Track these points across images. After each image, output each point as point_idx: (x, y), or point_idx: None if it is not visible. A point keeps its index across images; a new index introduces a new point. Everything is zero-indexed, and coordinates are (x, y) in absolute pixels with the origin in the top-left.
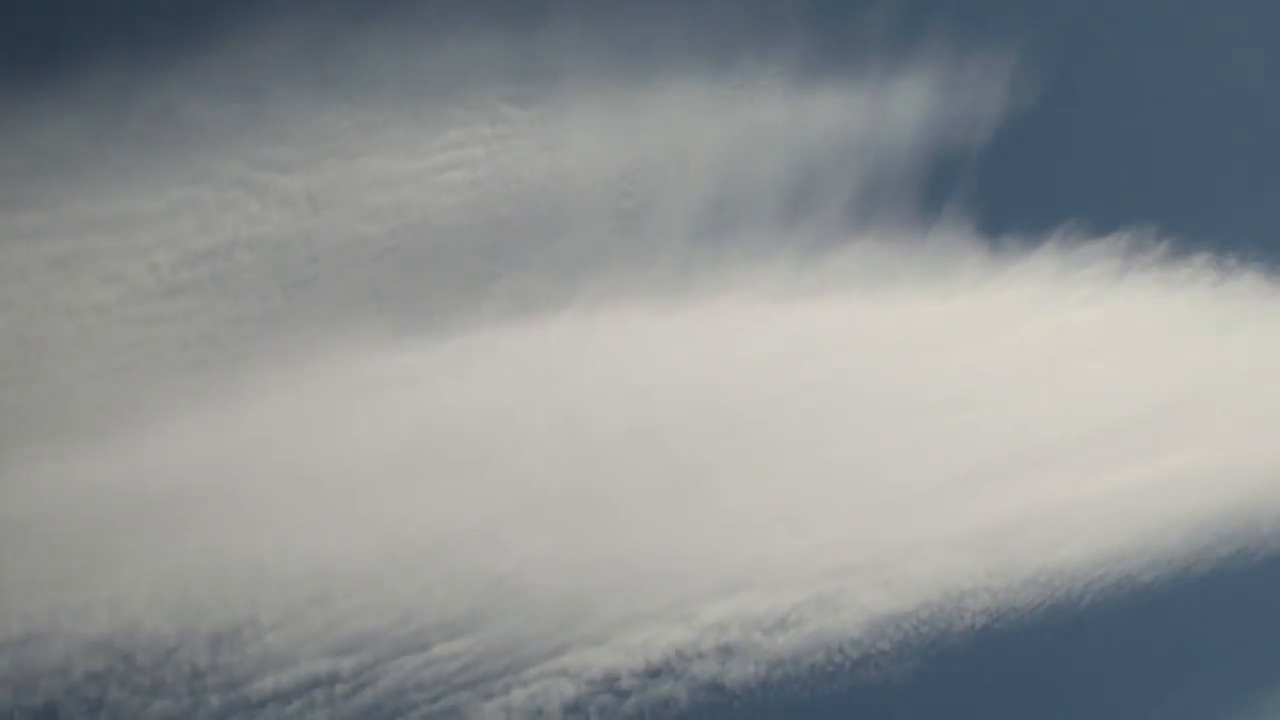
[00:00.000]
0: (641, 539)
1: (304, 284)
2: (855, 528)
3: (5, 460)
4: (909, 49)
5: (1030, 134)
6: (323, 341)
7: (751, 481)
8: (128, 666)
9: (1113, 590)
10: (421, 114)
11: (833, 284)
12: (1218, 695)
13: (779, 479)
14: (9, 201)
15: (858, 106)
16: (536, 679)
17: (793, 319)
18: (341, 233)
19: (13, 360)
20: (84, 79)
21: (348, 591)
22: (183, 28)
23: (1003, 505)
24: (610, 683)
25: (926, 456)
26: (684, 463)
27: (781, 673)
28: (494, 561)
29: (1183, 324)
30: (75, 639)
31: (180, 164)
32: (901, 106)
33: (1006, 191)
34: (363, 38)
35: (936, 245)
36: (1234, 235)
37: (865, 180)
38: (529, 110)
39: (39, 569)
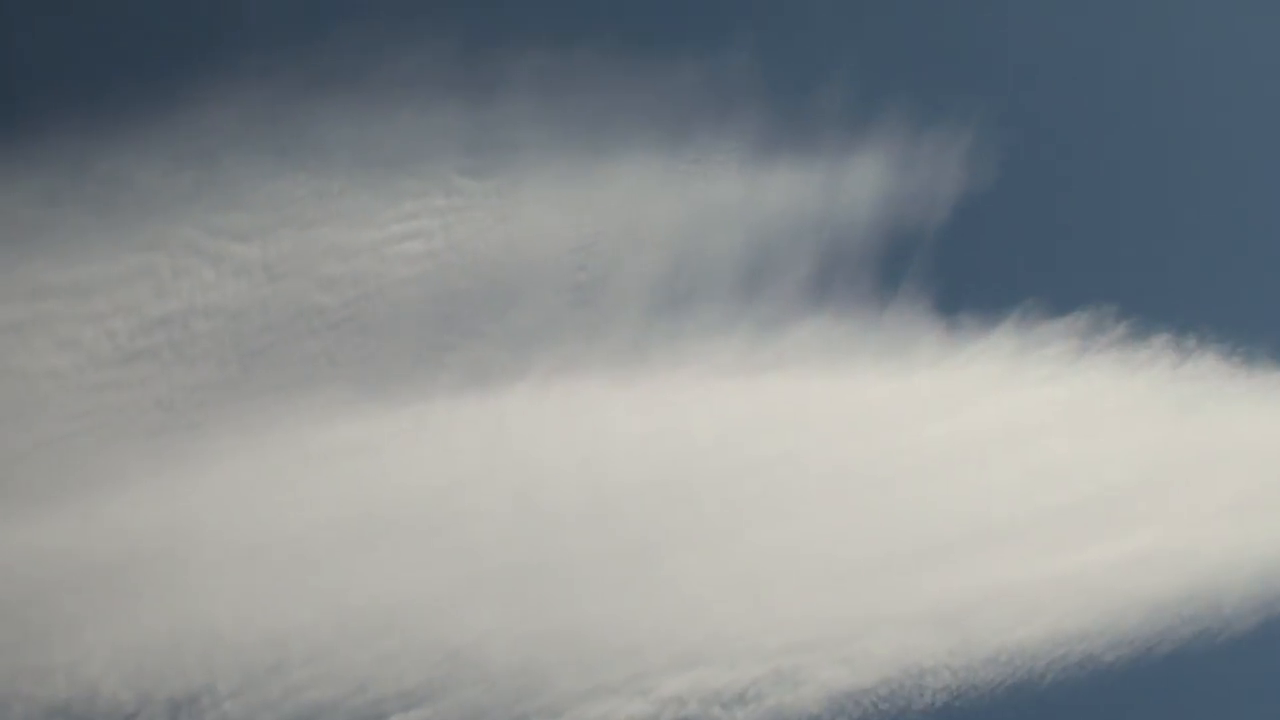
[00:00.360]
0: (597, 612)
1: (260, 352)
2: (813, 603)
3: None
4: (865, 126)
5: (988, 212)
6: (278, 409)
7: (708, 555)
8: None
9: (1075, 670)
10: (377, 184)
11: (789, 359)
12: None
13: (735, 553)
14: None
15: (814, 182)
16: None
17: (748, 394)
18: (297, 301)
19: None
20: (39, 144)
21: (304, 660)
22: (139, 94)
23: (962, 582)
24: None
25: (884, 533)
26: (639, 535)
27: None
28: (450, 633)
29: (1142, 404)
30: (34, 703)
31: (136, 230)
32: (858, 183)
33: (964, 270)
34: (319, 107)
35: (893, 323)
36: (1194, 317)
37: (821, 256)
38: (484, 182)
39: None
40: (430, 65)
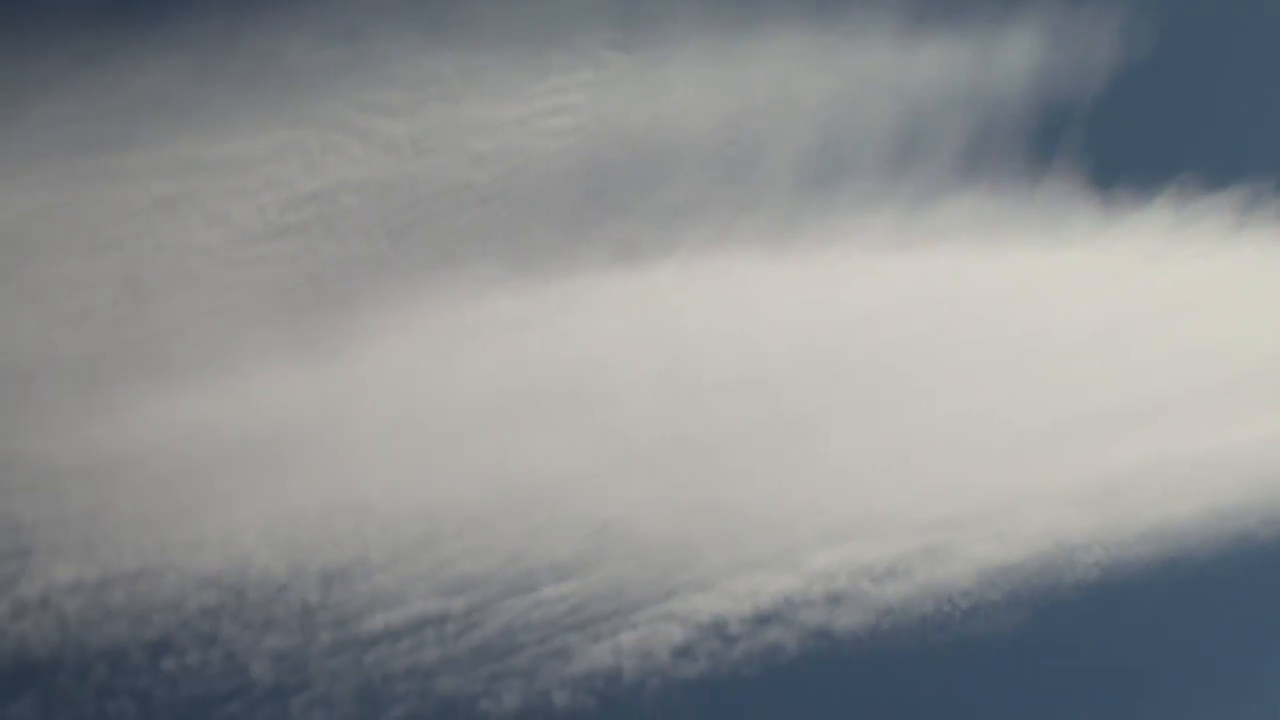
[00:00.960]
0: (747, 486)
1: (407, 228)
2: (964, 478)
3: (114, 399)
4: None
5: (1144, 85)
6: (427, 285)
7: (859, 430)
8: (240, 602)
9: (1228, 547)
10: (525, 58)
11: (940, 234)
12: None
13: (887, 427)
14: (114, 143)
15: (966, 54)
16: (645, 622)
17: (899, 269)
18: (445, 177)
19: (120, 300)
20: (189, 21)
21: (455, 533)
22: None
23: (1114, 458)
24: (718, 628)
25: (1037, 408)
26: (790, 410)
27: (890, 621)
28: (599, 506)
29: None
30: (187, 574)
31: (284, 106)
32: (1011, 54)
33: (1119, 144)
34: None
35: (1047, 197)
36: None
37: (974, 130)
38: (632, 56)
39: (149, 506)
40: None
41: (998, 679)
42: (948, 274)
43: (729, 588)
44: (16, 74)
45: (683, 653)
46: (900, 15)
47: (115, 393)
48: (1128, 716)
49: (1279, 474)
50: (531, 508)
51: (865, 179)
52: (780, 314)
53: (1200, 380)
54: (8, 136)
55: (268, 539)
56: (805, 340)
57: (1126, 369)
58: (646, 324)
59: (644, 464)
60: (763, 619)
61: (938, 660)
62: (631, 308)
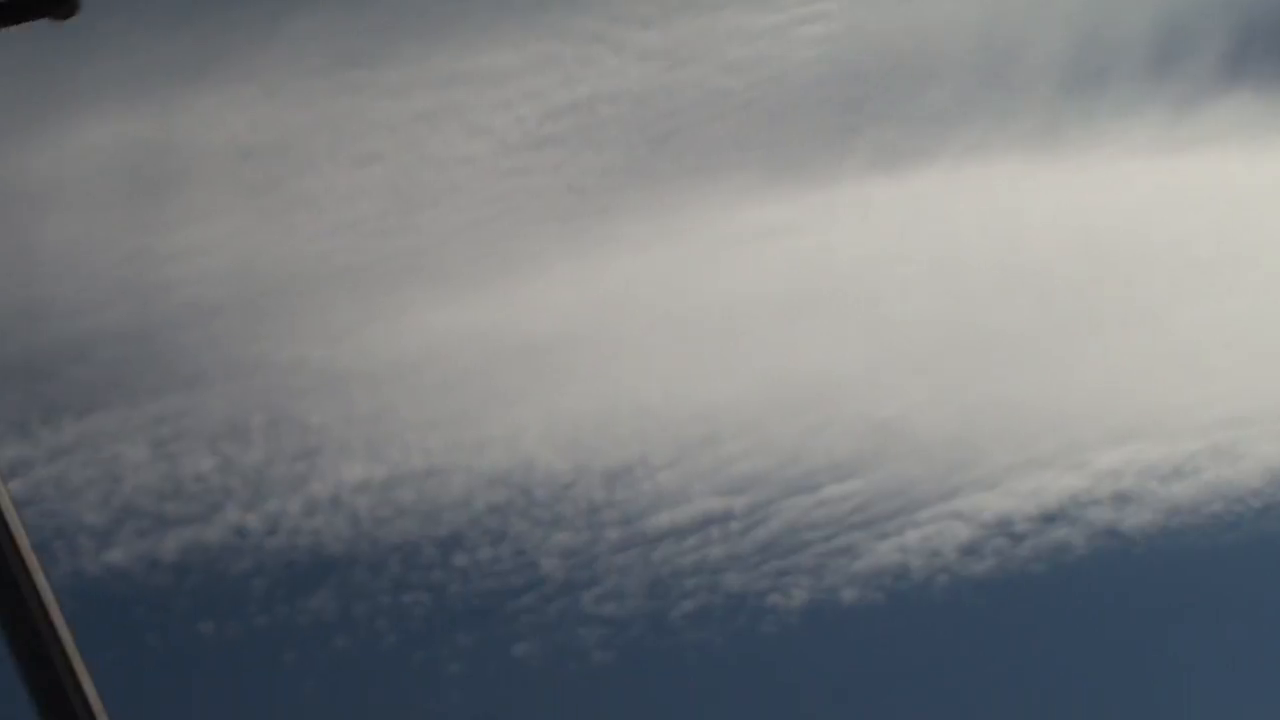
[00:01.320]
0: (1029, 384)
1: (666, 137)
2: (1252, 377)
3: (391, 304)
4: None
5: None
6: (689, 193)
7: (1140, 327)
8: (527, 500)
9: None
10: None
11: (1206, 137)
12: None
13: (1168, 326)
14: (375, 58)
15: None
16: (929, 521)
17: (1165, 173)
18: (701, 86)
19: (387, 212)
20: None
21: (736, 433)
22: None
23: None
24: (1004, 526)
25: None
26: (1068, 308)
27: (1179, 521)
28: (877, 405)
29: None
30: (474, 473)
31: (540, 19)
32: None
33: None
34: None
35: None
36: None
37: (1239, 29)
38: None
39: (434, 407)
40: None
41: None
42: (1213, 177)
43: (1014, 486)
44: None
45: (969, 551)
46: None
47: (390, 299)
48: None
49: None
50: (809, 407)
51: (1127, 81)
52: (1047, 215)
53: None
54: (276, 54)
55: (550, 439)
56: (1075, 239)
57: None
58: (915, 227)
59: (920, 363)
60: (1049, 518)
61: (1226, 561)
62: (895, 214)
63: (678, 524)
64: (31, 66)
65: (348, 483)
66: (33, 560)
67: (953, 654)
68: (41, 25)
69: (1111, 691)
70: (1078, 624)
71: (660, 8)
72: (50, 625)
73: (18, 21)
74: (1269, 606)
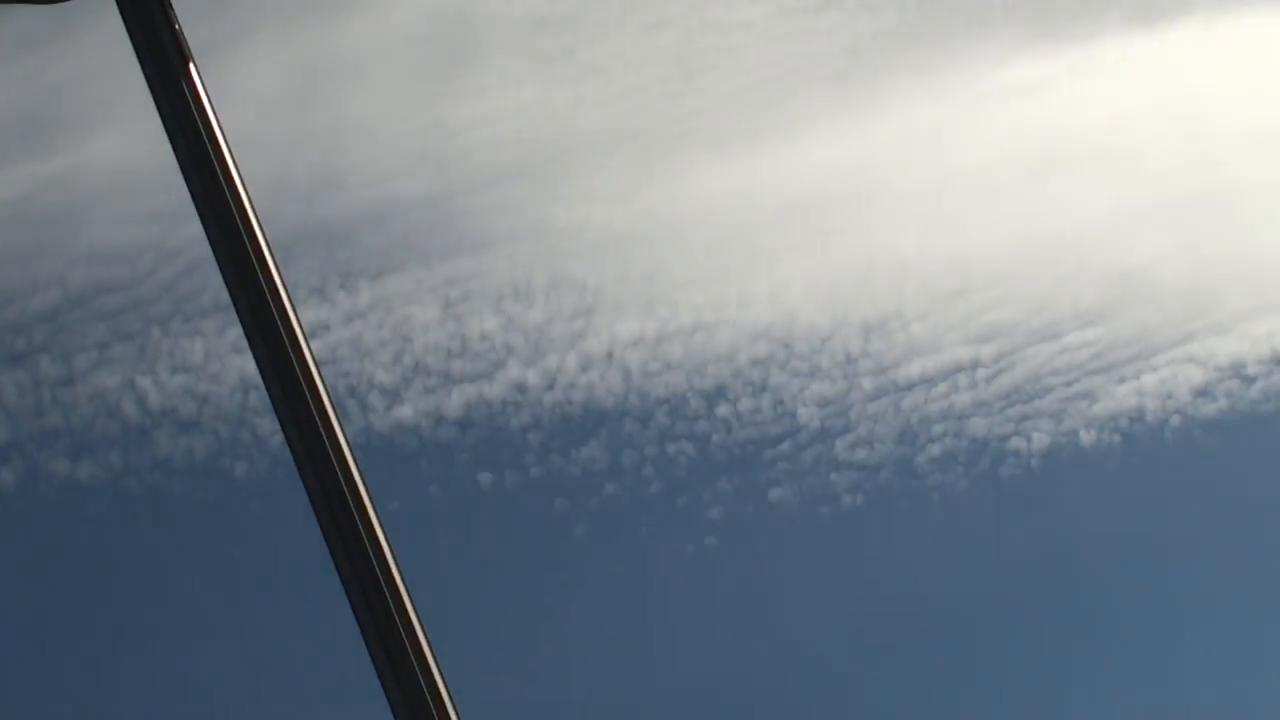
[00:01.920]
0: (1264, 235)
1: None
2: None
3: (670, 167)
4: None
5: None
6: (956, 53)
7: None
8: (787, 353)
9: None
10: None
11: None
12: None
13: None
14: None
15: None
16: (1165, 365)
17: None
18: None
19: (670, 76)
20: None
21: (985, 284)
22: None
23: None
24: (1237, 369)
25: None
26: None
27: None
28: (1121, 256)
29: None
30: (739, 328)
31: None
32: None
33: None
34: None
35: None
36: None
37: None
38: None
39: (702, 265)
40: None
41: None
42: None
43: (1247, 330)
44: None
45: (1203, 393)
46: None
47: (669, 161)
48: None
49: None
50: (1057, 259)
51: None
52: None
53: None
54: None
55: (812, 293)
56: None
57: None
58: (1165, 83)
59: (1165, 215)
60: None
61: None
62: (1150, 68)
63: (928, 372)
64: None
65: (621, 339)
66: (336, 417)
67: (1185, 493)
68: None
69: None
70: None
71: None
72: (350, 476)
73: None
74: None
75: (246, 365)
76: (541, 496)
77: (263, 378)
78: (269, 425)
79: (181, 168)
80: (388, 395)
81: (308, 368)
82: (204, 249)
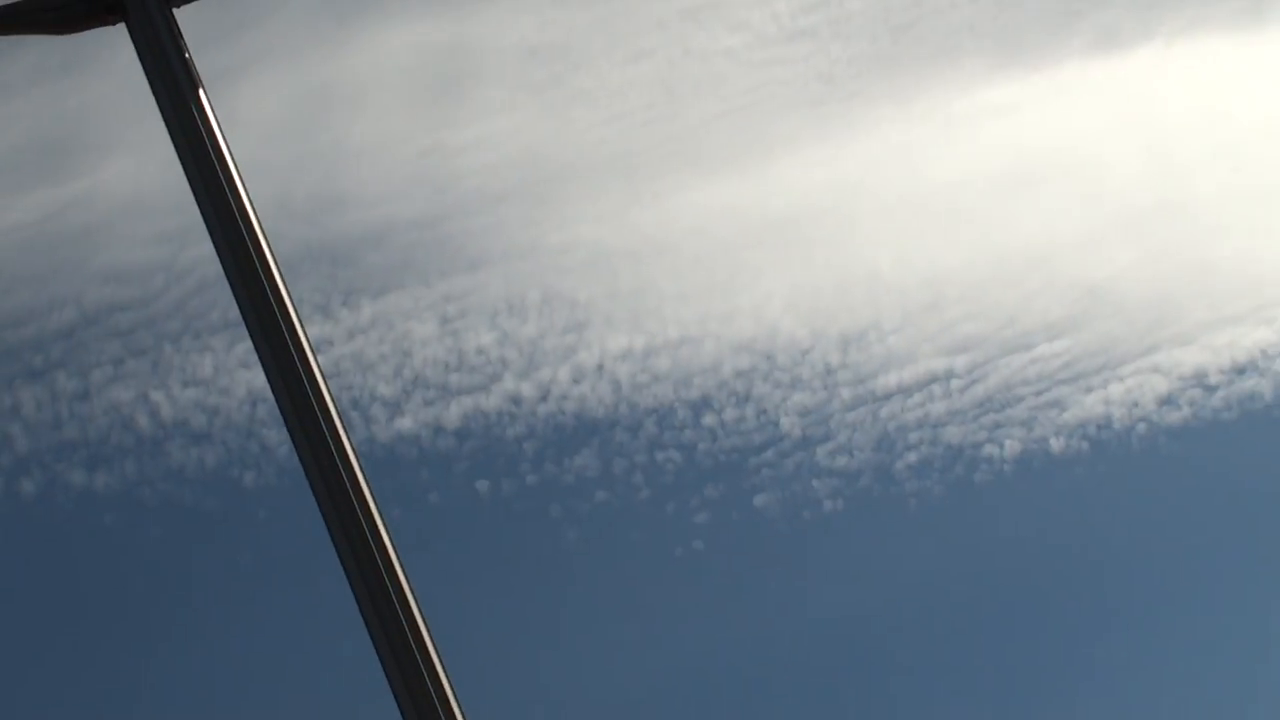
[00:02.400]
0: (1225, 248)
1: (908, 27)
2: None
3: (656, 188)
4: None
5: None
6: (926, 78)
7: None
8: (770, 364)
9: None
10: None
11: None
12: None
13: None
14: None
15: None
16: (1131, 375)
17: None
18: None
19: (655, 102)
20: None
21: (958, 298)
22: None
23: None
24: (1199, 379)
25: None
26: (1265, 179)
27: None
28: (1088, 270)
29: None
30: (723, 341)
31: None
32: None
33: None
34: None
35: None
36: None
37: None
38: None
39: (688, 281)
40: None
41: None
42: None
43: (1209, 341)
44: None
45: (1167, 401)
46: None
47: (656, 183)
48: None
49: None
50: (1026, 273)
51: None
52: (1254, 92)
53: None
54: None
55: (792, 307)
56: (1276, 115)
57: None
58: (1128, 104)
59: (1129, 230)
60: (1240, 369)
61: None
62: (1113, 90)
63: (904, 383)
64: None
65: (611, 352)
66: (344, 427)
67: (1150, 498)
68: None
69: None
70: (1267, 467)
71: None
72: (358, 485)
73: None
74: None
75: (254, 379)
76: (536, 503)
77: (273, 390)
78: (276, 436)
79: (193, 190)
80: (389, 407)
81: (315, 380)
82: (213, 268)
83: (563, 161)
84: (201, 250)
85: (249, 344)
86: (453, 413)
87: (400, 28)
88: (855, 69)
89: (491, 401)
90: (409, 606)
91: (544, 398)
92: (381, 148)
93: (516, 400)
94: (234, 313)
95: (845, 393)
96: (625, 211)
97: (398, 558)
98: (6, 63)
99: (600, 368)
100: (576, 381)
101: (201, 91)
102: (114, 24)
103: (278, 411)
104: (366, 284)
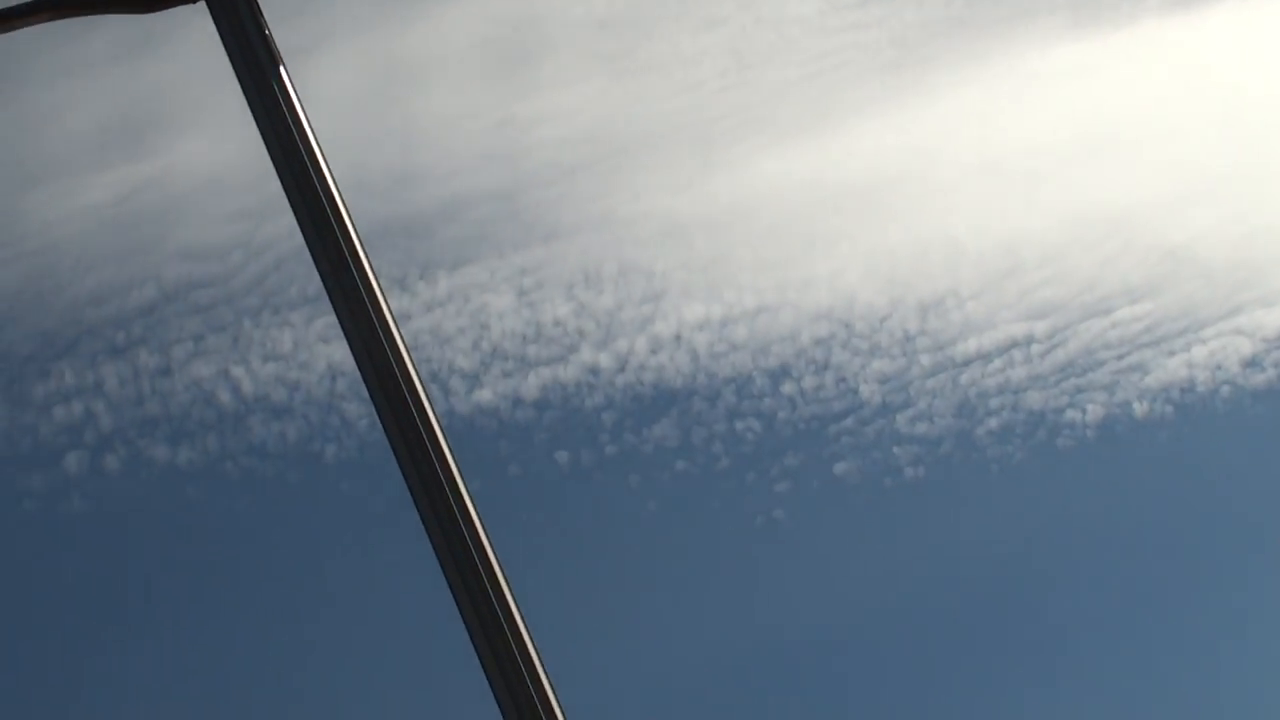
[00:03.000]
0: None
1: None
2: None
3: (730, 157)
4: None
5: None
6: (1001, 39)
7: None
8: (848, 332)
9: None
10: None
11: None
12: None
13: None
14: None
15: None
16: (1214, 337)
17: None
18: None
19: (727, 70)
20: None
21: (1037, 263)
22: None
23: None
24: None
25: None
26: None
27: None
28: (1169, 232)
29: None
30: (800, 309)
31: None
32: None
33: None
34: None
35: None
36: None
37: None
38: None
39: (765, 250)
40: None
41: None
42: None
43: None
44: None
45: (1251, 363)
46: None
47: (729, 152)
48: None
49: None
50: (1105, 236)
51: None
52: None
53: None
54: None
55: (870, 274)
56: None
57: None
58: (1204, 65)
59: (1209, 192)
60: None
61: None
62: (1190, 50)
63: (984, 349)
64: None
65: (688, 321)
66: (428, 400)
67: (1237, 460)
68: None
69: None
70: None
71: None
72: (444, 457)
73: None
74: None
75: (334, 353)
76: (616, 474)
77: (357, 364)
78: (357, 410)
79: (275, 167)
80: (467, 380)
81: (400, 353)
82: (289, 244)
83: (635, 132)
84: (279, 226)
85: (327, 319)
86: (531, 384)
87: (470, 1)
88: (929, 33)
89: (569, 373)
90: (496, 578)
91: (622, 368)
92: (454, 121)
93: (594, 371)
94: (312, 288)
95: (925, 359)
96: (700, 181)
97: (484, 529)
98: (83, 42)
99: (678, 337)
100: (654, 352)
101: (282, 69)
102: (194, 2)
103: (357, 385)
104: (442, 257)
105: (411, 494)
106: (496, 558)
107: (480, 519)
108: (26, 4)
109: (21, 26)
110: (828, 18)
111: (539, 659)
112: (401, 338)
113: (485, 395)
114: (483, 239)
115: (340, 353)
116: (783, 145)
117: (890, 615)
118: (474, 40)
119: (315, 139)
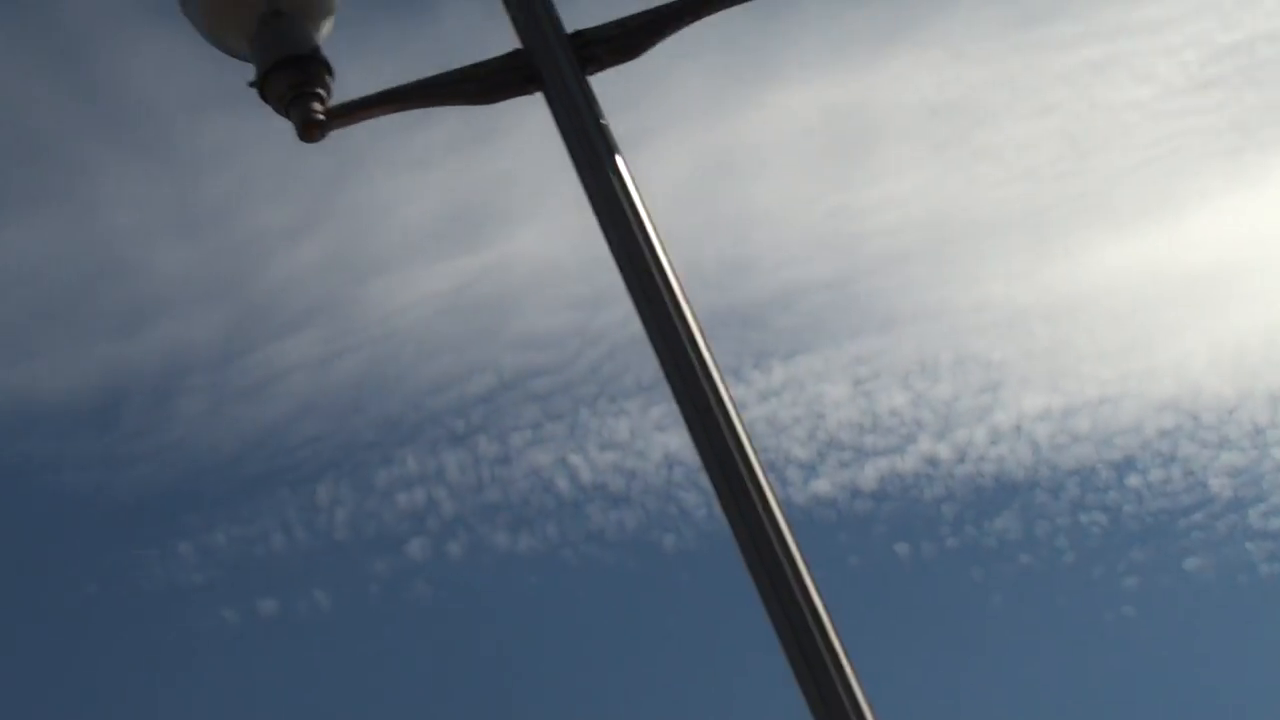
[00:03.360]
0: None
1: None
2: None
3: (1067, 244)
4: None
5: None
6: None
7: None
8: (1195, 423)
9: None
10: None
11: None
12: None
13: None
14: (1047, 16)
15: None
16: None
17: None
18: None
19: (1063, 156)
20: None
21: None
22: None
23: None
24: None
25: None
26: None
27: None
28: None
29: None
30: (1144, 399)
31: None
32: None
33: None
34: None
35: None
36: None
37: None
38: None
39: (1105, 339)
40: None
41: None
42: None
43: None
44: None
45: None
46: None
47: (1066, 239)
48: None
49: None
50: None
51: None
52: None
53: None
54: (958, 19)
55: (1216, 364)
56: None
57: None
58: None
59: None
60: None
61: None
62: None
63: None
64: (740, 43)
65: (1028, 412)
66: (771, 489)
67: None
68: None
69: None
70: None
71: None
72: (786, 546)
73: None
74: None
75: (670, 441)
76: (958, 567)
77: (698, 451)
78: (694, 499)
79: (613, 255)
80: (804, 469)
81: (741, 442)
82: (624, 332)
83: (969, 219)
84: (613, 314)
85: (663, 407)
86: (868, 474)
87: (800, 88)
88: (1271, 116)
89: (907, 463)
90: (844, 673)
91: (961, 459)
92: (786, 210)
93: (933, 461)
94: (646, 376)
95: (1277, 453)
96: (1036, 269)
97: (831, 621)
98: (423, 134)
99: (1018, 428)
100: (994, 442)
101: (619, 157)
102: (532, 93)
103: (694, 474)
104: (777, 346)
105: (756, 585)
106: (844, 649)
107: (827, 610)
108: (367, 97)
109: (363, 119)
110: (1163, 102)
111: None
112: (743, 425)
113: (822, 485)
114: (817, 328)
115: (676, 441)
116: (1121, 232)
117: (1255, 713)
118: (806, 128)
119: (654, 227)
